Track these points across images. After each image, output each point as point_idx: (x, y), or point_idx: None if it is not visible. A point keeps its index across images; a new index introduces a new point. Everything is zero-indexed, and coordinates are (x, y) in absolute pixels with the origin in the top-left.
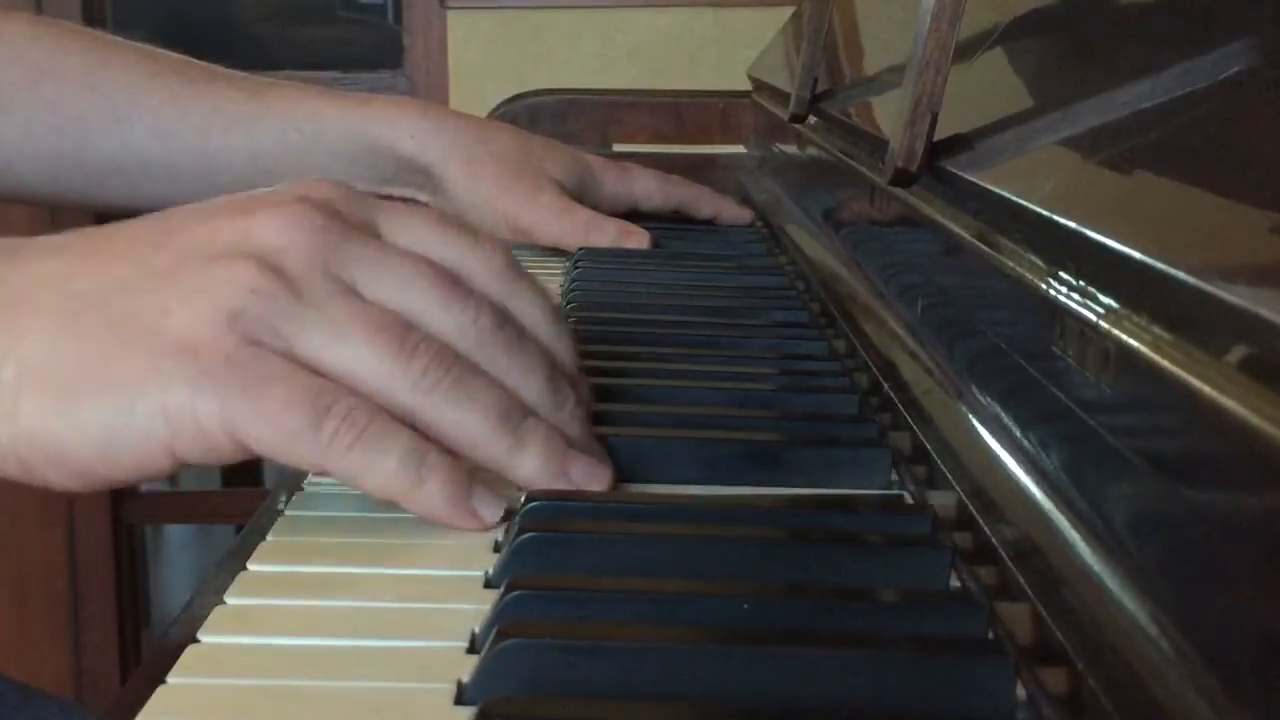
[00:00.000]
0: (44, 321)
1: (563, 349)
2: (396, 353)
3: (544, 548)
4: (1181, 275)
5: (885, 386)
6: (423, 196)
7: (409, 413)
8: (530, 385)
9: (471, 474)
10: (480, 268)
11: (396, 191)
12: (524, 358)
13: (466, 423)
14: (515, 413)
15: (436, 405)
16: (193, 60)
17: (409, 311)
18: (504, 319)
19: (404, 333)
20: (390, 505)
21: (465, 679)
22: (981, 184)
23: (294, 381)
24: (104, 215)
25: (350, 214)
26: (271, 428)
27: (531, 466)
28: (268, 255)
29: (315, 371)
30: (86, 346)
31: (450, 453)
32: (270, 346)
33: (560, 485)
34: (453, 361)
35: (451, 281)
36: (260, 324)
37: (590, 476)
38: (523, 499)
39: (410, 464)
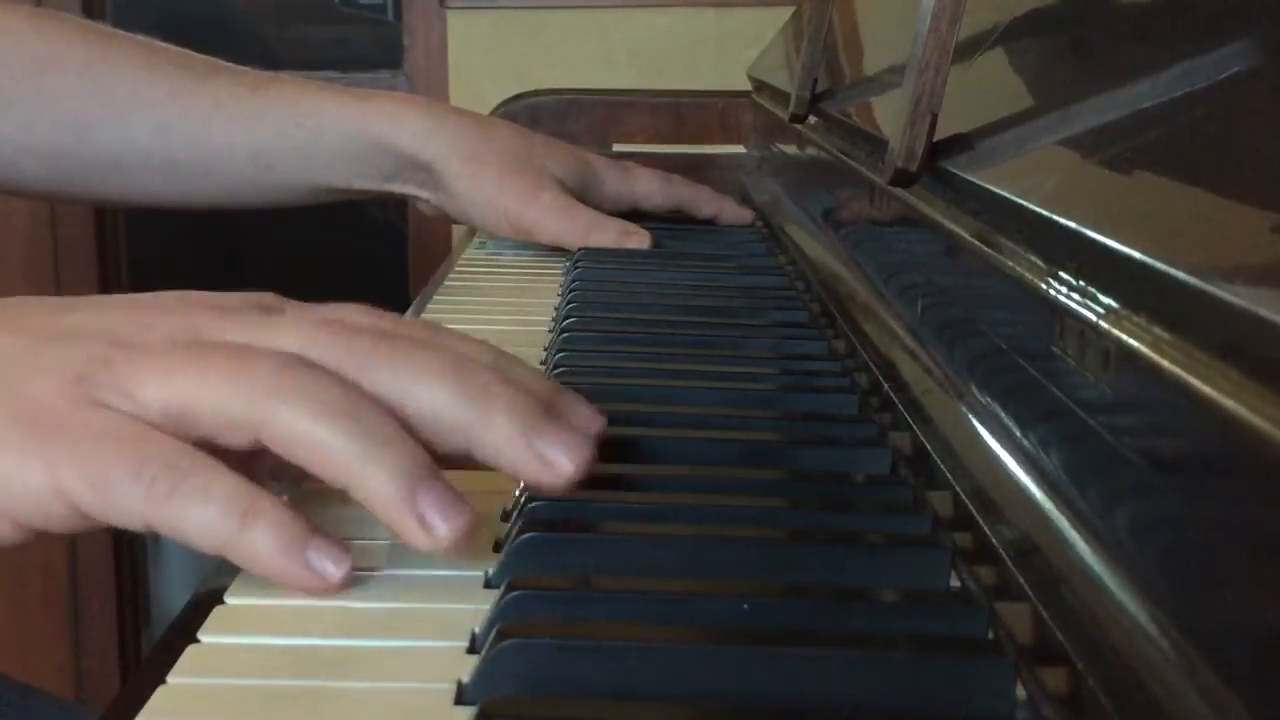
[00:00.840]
0: None
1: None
2: (225, 366)
3: (544, 548)
4: (1181, 275)
5: (885, 386)
6: (423, 194)
7: (249, 429)
8: (425, 389)
9: (314, 526)
10: (363, 341)
11: (397, 189)
12: (416, 359)
13: (300, 426)
14: (367, 412)
15: (272, 414)
16: (193, 53)
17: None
18: (390, 334)
19: (239, 350)
20: None
21: (465, 679)
22: (981, 184)
23: (119, 434)
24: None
25: (253, 306)
26: (92, 482)
27: (380, 483)
28: (135, 336)
29: (157, 424)
30: None
31: (288, 506)
32: (115, 407)
33: (406, 515)
34: (288, 364)
35: (336, 320)
36: (105, 386)
37: (550, 462)
38: (523, 499)
39: (234, 509)
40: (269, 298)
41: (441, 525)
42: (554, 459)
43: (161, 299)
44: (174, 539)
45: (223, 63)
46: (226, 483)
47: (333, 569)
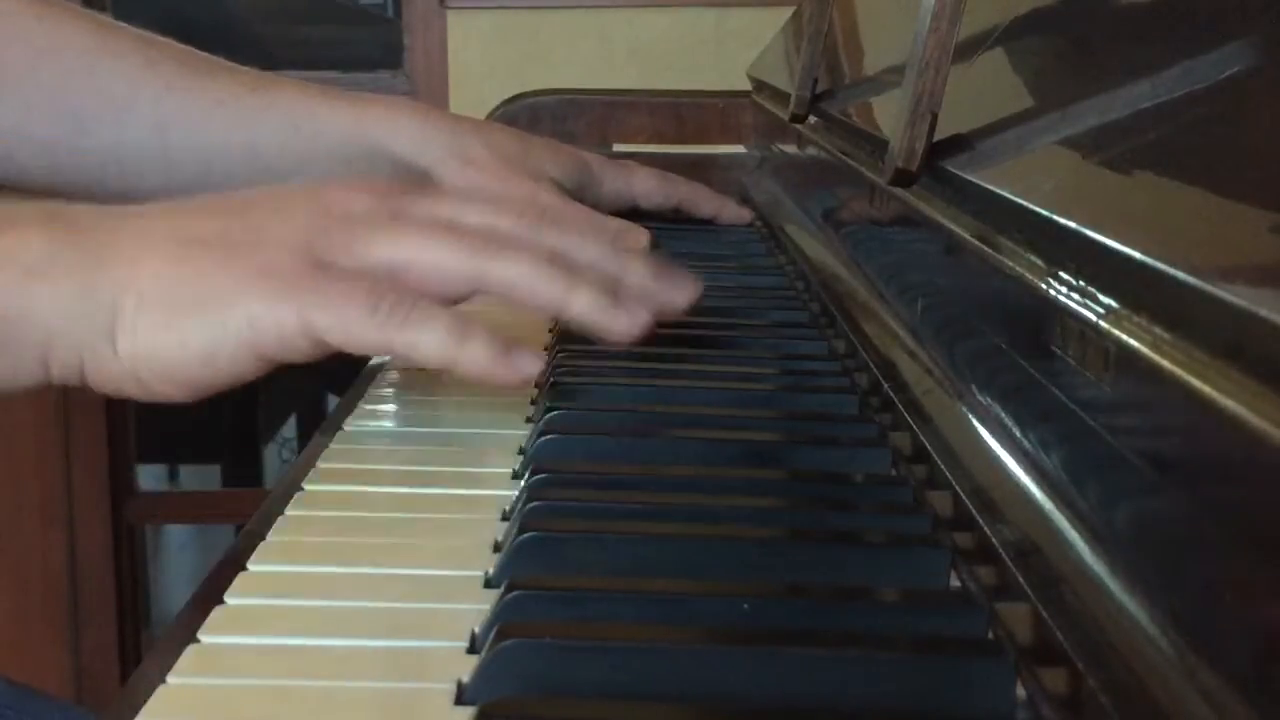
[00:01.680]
0: (159, 256)
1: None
2: (446, 234)
3: (544, 548)
4: (1181, 275)
5: (885, 386)
6: None
7: (473, 279)
8: (586, 246)
9: (509, 342)
10: (530, 213)
11: None
12: (570, 226)
13: (521, 272)
14: (561, 260)
15: (491, 265)
16: (193, 50)
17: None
18: (543, 209)
19: (451, 221)
20: (391, 506)
21: (465, 679)
22: (981, 184)
23: (353, 283)
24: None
25: (408, 187)
26: (337, 318)
27: (586, 302)
28: (341, 209)
29: (386, 276)
30: (191, 277)
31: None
32: (340, 264)
33: (611, 318)
34: (495, 229)
35: (496, 197)
36: (330, 249)
37: (678, 287)
38: (523, 499)
39: (455, 331)
40: (399, 184)
41: (642, 314)
42: (676, 294)
43: (329, 184)
44: (407, 356)
45: (222, 61)
46: (444, 311)
47: (532, 367)
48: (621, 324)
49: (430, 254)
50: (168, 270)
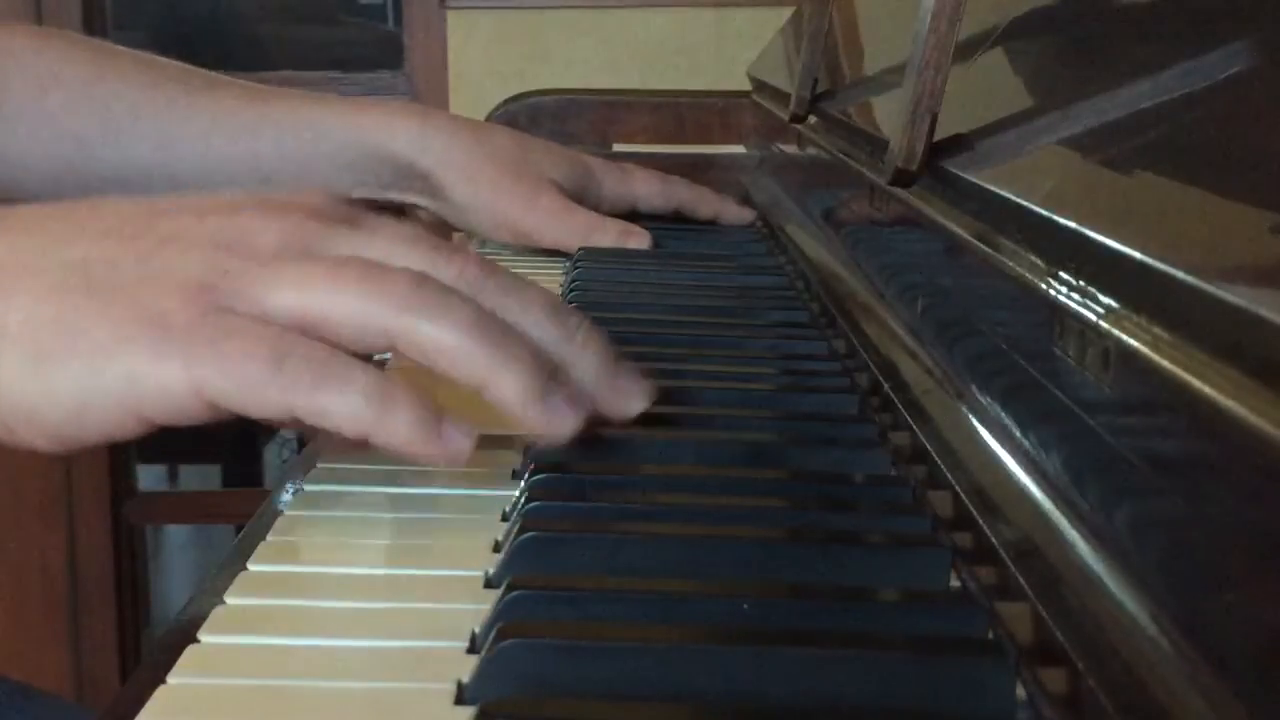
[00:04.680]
0: (29, 286)
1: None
2: (359, 283)
3: (544, 548)
4: (1181, 275)
5: (885, 386)
6: (422, 201)
7: (387, 337)
8: (530, 318)
9: (439, 407)
10: (461, 257)
11: (396, 197)
12: (519, 294)
13: (444, 337)
14: (496, 328)
15: (412, 324)
16: (192, 68)
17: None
18: (492, 268)
19: (367, 267)
20: (391, 506)
21: (465, 679)
22: (981, 184)
23: (255, 333)
24: None
25: (335, 214)
26: (234, 379)
27: (512, 385)
28: (245, 243)
29: (291, 326)
30: (65, 313)
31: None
32: (239, 312)
33: (540, 410)
34: (422, 278)
35: (435, 245)
36: (229, 293)
37: (629, 394)
38: (523, 499)
39: (374, 397)
40: (334, 202)
41: (573, 416)
42: (626, 397)
43: (246, 201)
44: (316, 424)
45: (221, 76)
46: (363, 372)
47: (464, 441)
48: (546, 423)
49: (343, 303)
50: (40, 309)
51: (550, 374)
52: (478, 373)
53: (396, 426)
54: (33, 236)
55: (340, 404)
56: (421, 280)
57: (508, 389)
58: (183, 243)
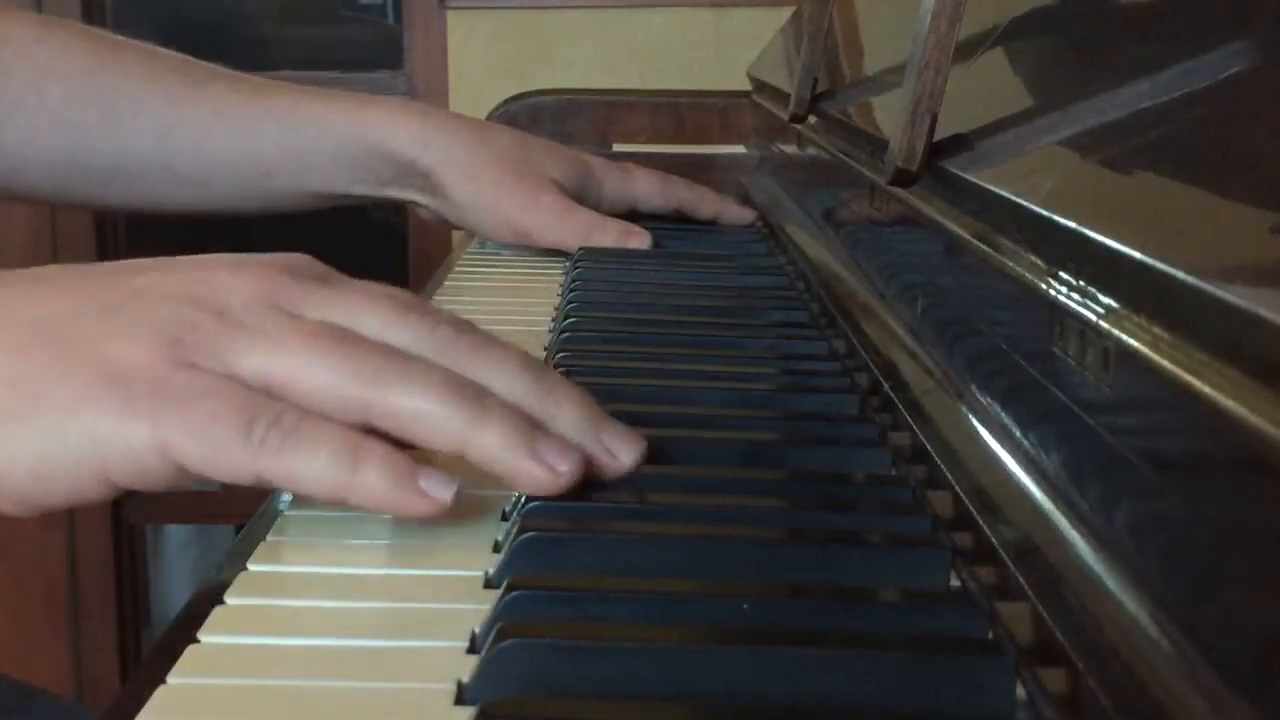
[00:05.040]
0: None
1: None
2: (329, 350)
3: (544, 548)
4: (1181, 275)
5: (885, 386)
6: (422, 199)
7: (360, 409)
8: (504, 378)
9: (420, 457)
10: (432, 318)
11: (396, 195)
12: (493, 352)
13: (418, 405)
14: (470, 389)
15: (383, 394)
16: (193, 60)
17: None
18: (464, 326)
19: (344, 333)
20: None
21: (465, 679)
22: (981, 184)
23: (222, 395)
24: (104, 217)
25: (307, 274)
26: (200, 441)
27: (493, 442)
28: (215, 299)
29: (258, 388)
30: (27, 371)
31: (397, 443)
32: (207, 370)
33: (527, 460)
34: (392, 351)
35: (406, 304)
36: (197, 350)
37: (617, 448)
38: (523, 499)
39: (344, 454)
40: (310, 263)
41: (565, 465)
42: (615, 450)
43: (218, 261)
44: (286, 489)
45: (222, 69)
46: (331, 431)
47: (444, 491)
48: (536, 474)
49: (314, 372)
50: (2, 366)
51: (529, 428)
52: (456, 434)
53: (369, 485)
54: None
55: (309, 467)
56: (390, 351)
57: (489, 445)
58: (151, 296)
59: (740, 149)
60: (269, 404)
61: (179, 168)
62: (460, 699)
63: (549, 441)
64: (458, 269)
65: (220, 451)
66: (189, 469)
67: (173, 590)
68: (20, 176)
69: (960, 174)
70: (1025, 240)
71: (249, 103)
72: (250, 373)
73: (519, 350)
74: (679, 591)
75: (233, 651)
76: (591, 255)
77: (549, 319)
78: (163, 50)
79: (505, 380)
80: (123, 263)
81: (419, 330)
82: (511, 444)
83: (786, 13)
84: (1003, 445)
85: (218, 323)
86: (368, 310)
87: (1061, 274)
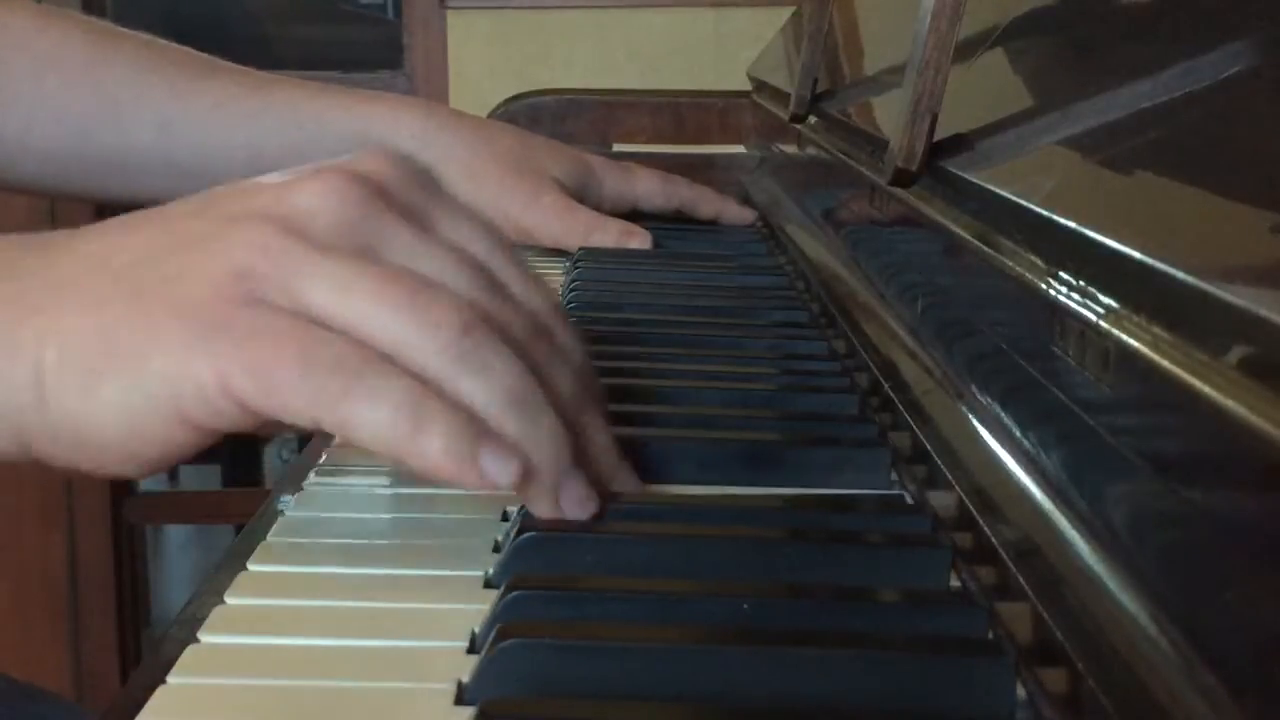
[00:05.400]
0: (81, 301)
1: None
2: (407, 306)
3: (544, 548)
4: (1181, 275)
5: (885, 386)
6: None
7: (420, 373)
8: (562, 377)
9: (479, 432)
10: (520, 288)
11: None
12: (557, 355)
13: (477, 394)
14: (534, 397)
15: (447, 369)
16: (195, 52)
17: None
18: (539, 326)
19: (418, 288)
20: (391, 506)
21: (465, 679)
22: (981, 184)
23: (286, 333)
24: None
25: (400, 195)
26: (260, 379)
27: (545, 455)
28: (294, 218)
29: (329, 325)
30: (105, 324)
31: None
32: (276, 305)
33: (557, 494)
34: (472, 322)
35: (490, 277)
36: (266, 281)
37: (624, 484)
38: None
39: (406, 412)
40: (406, 173)
41: (577, 507)
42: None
43: (311, 172)
44: (343, 437)
45: (223, 62)
46: (399, 384)
47: (504, 474)
48: (559, 498)
49: (383, 324)
50: (83, 320)
51: (571, 451)
52: (509, 438)
53: (428, 448)
54: (89, 249)
55: (368, 418)
56: (470, 326)
57: (537, 461)
58: (232, 222)
59: (740, 149)
60: (335, 342)
61: (179, 160)
62: (460, 699)
63: (578, 475)
64: None
65: (277, 390)
66: (251, 408)
67: (173, 590)
68: (20, 167)
69: (960, 174)
70: (1025, 240)
71: (251, 96)
72: (318, 307)
73: (581, 342)
74: (679, 591)
75: (233, 651)
76: (592, 255)
77: None
78: (163, 42)
79: (565, 377)
80: (204, 193)
81: (504, 310)
82: (553, 466)
83: (786, 13)
84: (1003, 445)
85: (293, 248)
86: (461, 268)
87: (1061, 274)
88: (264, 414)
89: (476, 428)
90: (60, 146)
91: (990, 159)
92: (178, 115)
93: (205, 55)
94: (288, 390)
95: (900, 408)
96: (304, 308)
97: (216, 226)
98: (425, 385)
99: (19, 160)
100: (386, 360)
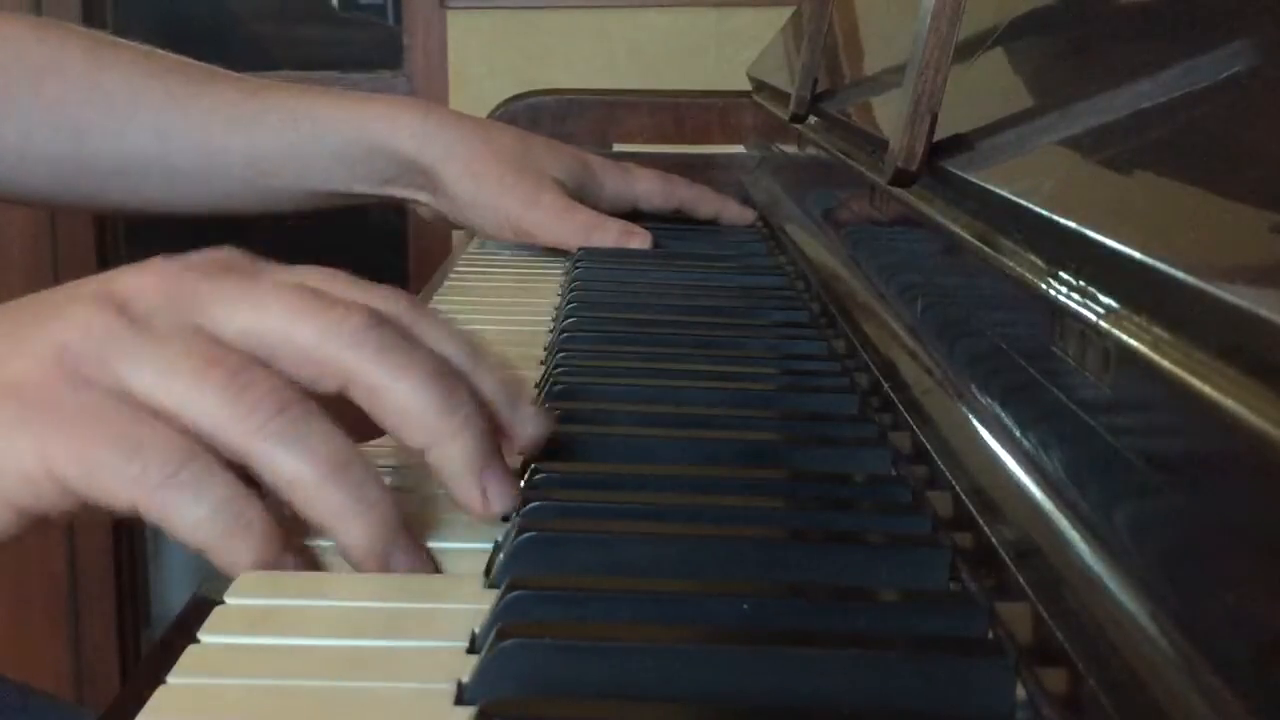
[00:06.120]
0: None
1: (480, 370)
2: (225, 387)
3: (544, 548)
4: (1181, 275)
5: (885, 386)
6: (423, 197)
7: (242, 456)
8: (412, 386)
9: (288, 540)
10: (360, 294)
11: (397, 193)
12: (403, 355)
13: (297, 469)
14: (356, 462)
15: (266, 448)
16: (192, 61)
17: (269, 336)
18: (380, 319)
19: (238, 369)
20: None
21: (465, 679)
22: (981, 184)
23: (112, 415)
24: (104, 219)
25: (221, 271)
26: (82, 462)
27: (359, 536)
28: (115, 296)
29: (151, 408)
30: None
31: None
32: (101, 384)
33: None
34: (290, 400)
35: (318, 294)
36: (90, 360)
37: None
38: (523, 499)
39: (223, 515)
40: (228, 257)
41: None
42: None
43: (134, 265)
44: (160, 527)
45: (221, 69)
46: (222, 485)
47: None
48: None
49: (202, 401)
50: None
51: (493, 445)
52: (328, 518)
53: (234, 555)
54: None
55: (184, 512)
56: (286, 404)
57: (351, 542)
58: (61, 304)
59: (740, 149)
60: (162, 432)
61: (179, 167)
62: (460, 699)
63: (496, 468)
64: (458, 269)
65: (101, 475)
66: (72, 490)
67: (173, 590)
68: (19, 176)
69: (960, 174)
70: (1025, 240)
71: (248, 101)
72: (142, 393)
73: (428, 352)
74: (679, 591)
75: (232, 651)
76: (591, 255)
77: (549, 319)
78: (161, 51)
79: (417, 395)
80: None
81: (328, 320)
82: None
83: (786, 13)
84: (1003, 445)
85: (115, 325)
86: (276, 303)
87: (1061, 274)
88: (86, 498)
89: (284, 540)
90: (60, 154)
91: (990, 159)
92: (176, 121)
93: (203, 64)
94: (109, 474)
95: (900, 408)
96: (127, 389)
97: (48, 309)
98: (248, 490)
99: (18, 169)
100: (210, 452)
